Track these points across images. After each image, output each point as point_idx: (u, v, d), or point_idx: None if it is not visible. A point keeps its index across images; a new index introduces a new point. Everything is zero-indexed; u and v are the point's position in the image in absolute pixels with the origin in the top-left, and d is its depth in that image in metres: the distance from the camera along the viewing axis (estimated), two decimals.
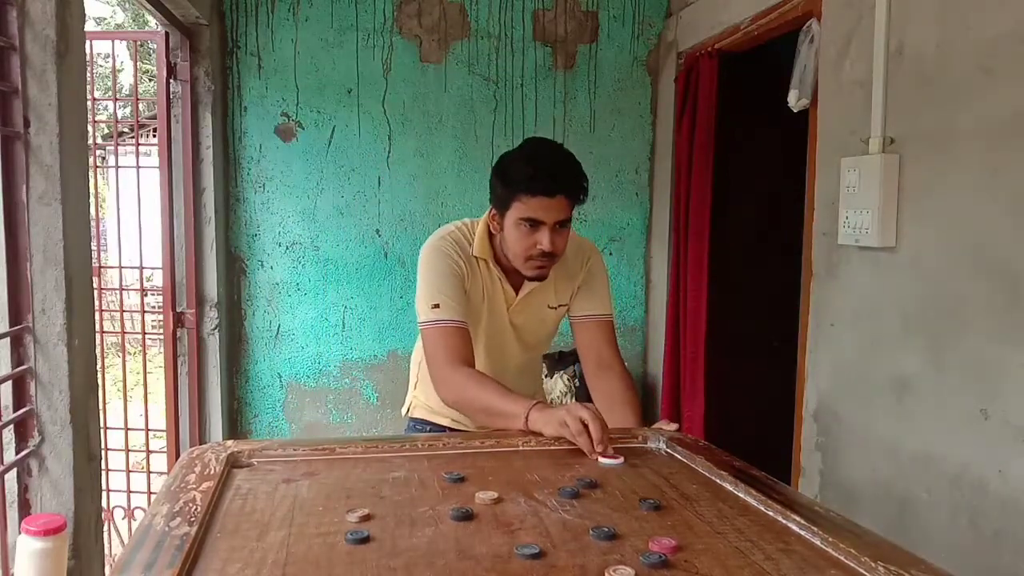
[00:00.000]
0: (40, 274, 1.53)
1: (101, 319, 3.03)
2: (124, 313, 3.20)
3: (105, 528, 2.22)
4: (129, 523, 3.07)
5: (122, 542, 3.06)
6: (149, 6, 2.59)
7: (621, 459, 1.30)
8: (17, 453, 1.54)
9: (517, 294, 1.72)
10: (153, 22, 2.90)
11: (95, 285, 1.84)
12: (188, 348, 3.05)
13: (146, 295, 3.31)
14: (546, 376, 3.32)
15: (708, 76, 2.92)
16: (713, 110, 2.91)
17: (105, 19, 14.59)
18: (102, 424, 2.04)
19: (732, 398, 3.09)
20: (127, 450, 3.09)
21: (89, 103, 2.58)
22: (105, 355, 4.48)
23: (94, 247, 1.78)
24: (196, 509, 1.02)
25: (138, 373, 3.94)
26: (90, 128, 2.84)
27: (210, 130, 3.05)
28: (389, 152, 3.35)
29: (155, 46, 2.96)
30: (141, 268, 3.19)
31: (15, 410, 1.53)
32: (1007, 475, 1.62)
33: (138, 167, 3.01)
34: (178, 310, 3.02)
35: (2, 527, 1.55)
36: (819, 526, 0.99)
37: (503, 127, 3.35)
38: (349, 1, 3.28)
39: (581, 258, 1.78)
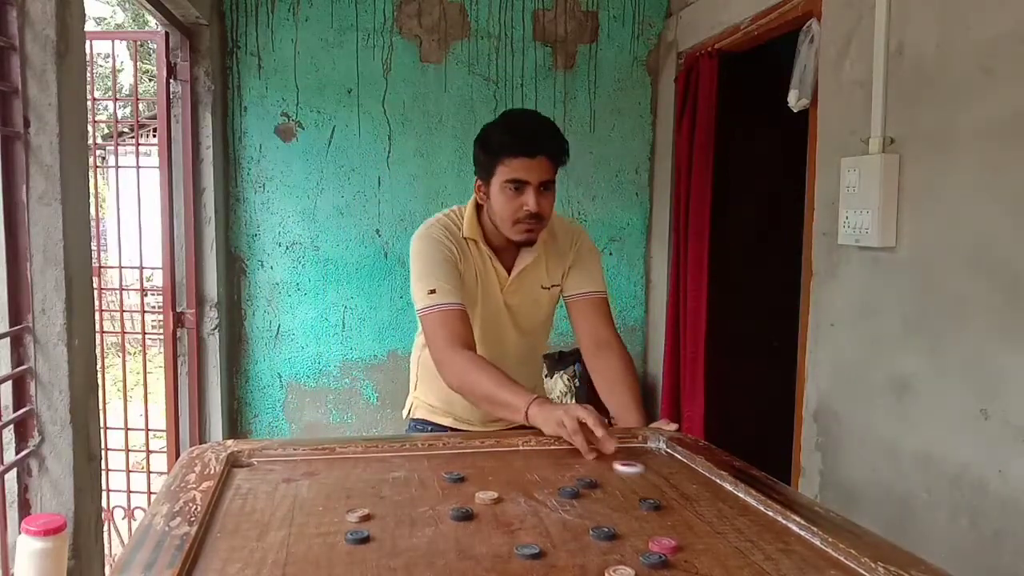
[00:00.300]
0: (40, 274, 1.53)
1: (101, 319, 3.03)
2: (124, 313, 3.20)
3: (105, 528, 2.22)
4: (129, 523, 3.07)
5: (122, 542, 3.06)
6: (149, 6, 2.59)
7: (640, 467, 1.28)
8: (17, 453, 1.54)
9: (510, 274, 1.73)
10: (153, 22, 2.90)
11: (95, 285, 1.84)
12: (188, 348, 3.05)
13: (146, 295, 3.31)
14: (546, 376, 3.32)
15: (708, 76, 2.92)
16: (713, 110, 2.91)
17: (105, 19, 14.59)
18: (102, 424, 2.04)
19: (732, 398, 3.09)
20: (127, 450, 3.09)
21: (89, 103, 2.58)
22: (105, 355, 4.48)
23: (94, 247, 1.78)
24: (196, 509, 1.02)
25: (138, 373, 3.94)
26: (90, 128, 2.84)
27: (210, 130, 3.05)
28: (389, 152, 3.35)
29: (155, 46, 2.96)
30: (141, 268, 3.19)
31: (15, 410, 1.53)
32: (1007, 475, 1.62)
33: (138, 167, 3.01)
34: (178, 310, 3.02)
35: (2, 527, 1.55)
36: (819, 526, 0.99)
37: None
38: (349, 1, 3.28)
39: (570, 238, 1.79)
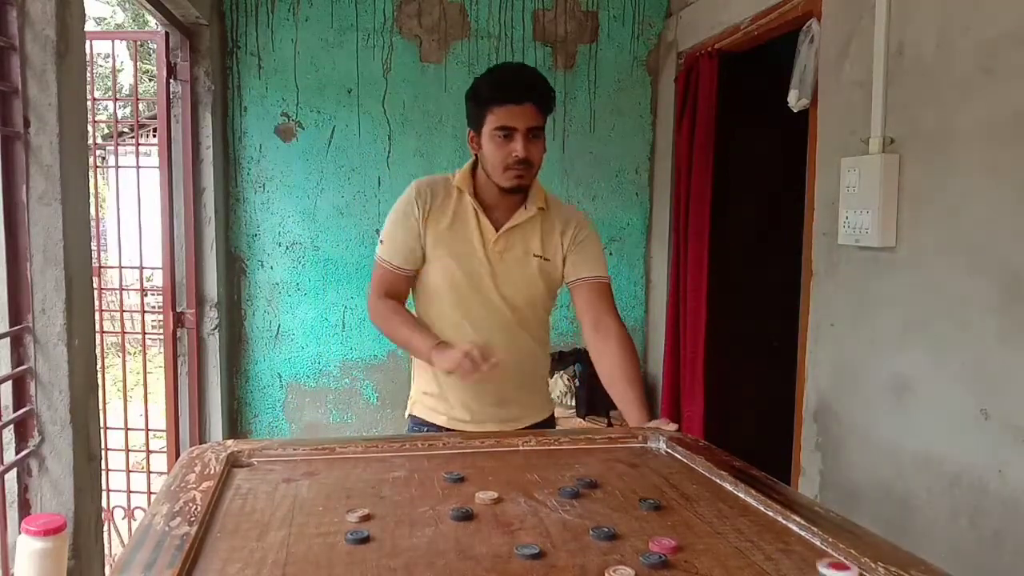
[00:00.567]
0: (40, 274, 1.53)
1: (101, 319, 3.03)
2: (124, 313, 3.20)
3: (105, 528, 2.22)
4: (129, 523, 3.07)
5: (122, 542, 3.06)
6: (149, 6, 2.59)
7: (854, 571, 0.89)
8: (17, 453, 1.54)
9: (498, 231, 1.73)
10: (153, 22, 2.90)
11: (95, 285, 1.84)
12: (188, 348, 3.05)
13: (146, 295, 3.31)
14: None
15: (708, 76, 2.92)
16: (713, 110, 2.91)
17: (105, 19, 14.59)
18: (102, 424, 2.04)
19: (732, 398, 3.09)
20: (127, 450, 3.09)
21: (89, 103, 2.58)
22: (105, 355, 4.48)
23: (94, 247, 1.78)
24: (196, 509, 1.02)
25: (138, 373, 3.94)
26: (90, 128, 2.84)
27: (210, 130, 3.05)
28: (389, 152, 3.35)
29: (155, 46, 2.96)
30: (141, 268, 3.18)
31: (15, 410, 1.53)
32: (1007, 475, 1.62)
33: (138, 167, 3.01)
34: (178, 310, 3.02)
35: (2, 527, 1.55)
36: (819, 526, 0.99)
37: None
38: (349, 1, 3.28)
39: (570, 218, 1.80)
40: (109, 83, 7.35)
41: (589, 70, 3.46)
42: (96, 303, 2.20)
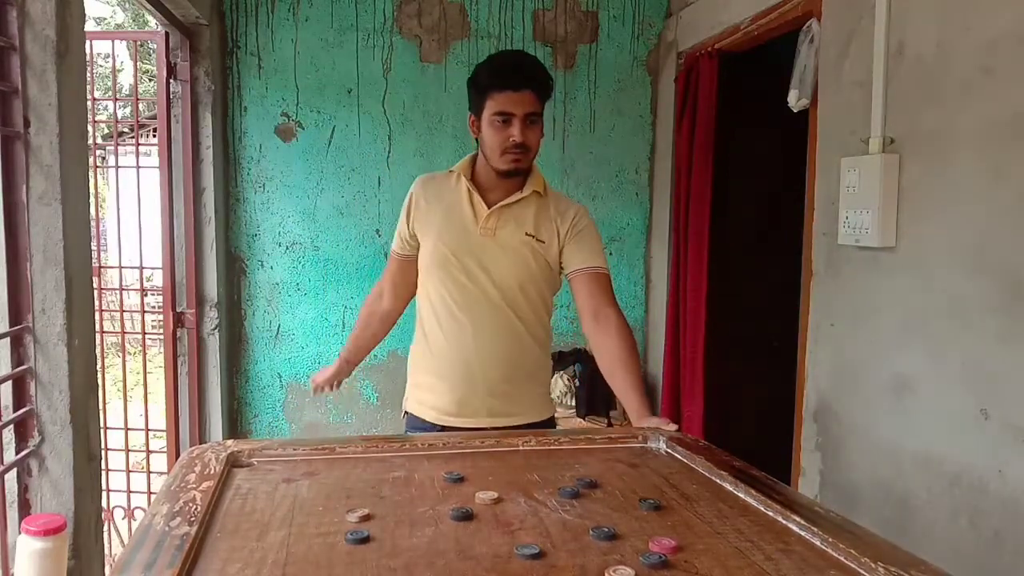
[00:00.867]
0: (40, 274, 1.53)
1: (101, 319, 3.03)
2: (124, 313, 3.20)
3: (105, 528, 2.22)
4: (129, 523, 3.07)
5: (122, 542, 3.06)
6: (149, 6, 2.59)
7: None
8: (17, 453, 1.54)
9: (491, 208, 1.77)
10: (153, 22, 2.90)
11: (95, 285, 1.84)
12: (188, 348, 3.05)
13: (146, 295, 3.31)
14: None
15: (708, 76, 2.92)
16: (713, 110, 2.91)
17: (105, 19, 14.59)
18: (102, 424, 2.04)
19: (732, 398, 3.10)
20: (127, 450, 3.09)
21: (89, 103, 2.58)
22: (105, 355, 4.48)
23: (94, 247, 1.78)
24: (196, 509, 1.02)
25: (138, 373, 3.94)
26: (90, 128, 2.84)
27: (210, 130, 3.05)
28: (389, 152, 3.35)
29: (155, 46, 2.96)
30: (141, 268, 3.18)
31: (15, 410, 1.53)
32: (1007, 475, 1.62)
33: (138, 167, 3.01)
34: (178, 310, 3.03)
35: (2, 527, 1.55)
36: (819, 526, 0.99)
37: None
38: (349, 1, 3.28)
39: (567, 208, 1.81)
40: (109, 83, 7.35)
41: (589, 70, 3.46)
42: (96, 303, 2.20)
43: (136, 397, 3.45)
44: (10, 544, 1.54)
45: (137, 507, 3.10)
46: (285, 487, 1.16)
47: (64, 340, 1.55)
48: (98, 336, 2.39)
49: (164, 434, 3.11)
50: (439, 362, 1.79)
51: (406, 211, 1.84)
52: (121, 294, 3.31)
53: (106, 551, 1.95)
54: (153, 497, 1.32)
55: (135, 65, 3.36)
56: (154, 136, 3.15)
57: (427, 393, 1.82)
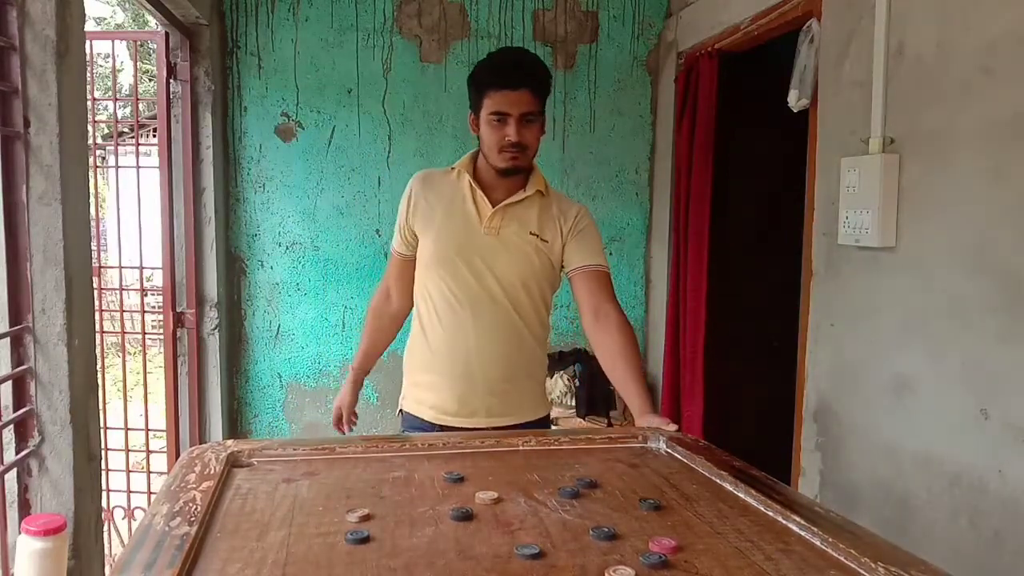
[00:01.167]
0: (40, 274, 1.53)
1: (101, 319, 3.03)
2: (124, 313, 3.20)
3: (105, 528, 2.22)
4: (129, 523, 3.07)
5: (122, 542, 3.06)
6: (149, 6, 2.59)
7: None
8: (17, 453, 1.54)
9: (495, 207, 1.76)
10: (153, 22, 2.90)
11: (95, 285, 1.84)
12: (188, 348, 3.05)
13: (146, 295, 3.31)
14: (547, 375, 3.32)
15: (708, 76, 2.92)
16: (713, 110, 2.91)
17: (105, 19, 14.59)
18: (102, 424, 2.04)
19: (732, 398, 3.09)
20: (127, 450, 3.09)
21: (89, 103, 2.58)
22: (105, 355, 4.48)
23: (94, 247, 1.78)
24: (196, 509, 1.02)
25: (138, 373, 3.95)
26: (90, 128, 2.84)
27: (210, 130, 3.05)
28: (389, 152, 3.35)
29: (155, 46, 2.96)
30: (141, 268, 3.18)
31: (15, 410, 1.53)
32: (1007, 475, 1.62)
33: (138, 167, 3.01)
34: (178, 310, 3.02)
35: (2, 527, 1.55)
36: (819, 526, 0.99)
37: None
38: (349, 1, 3.28)
39: (568, 208, 1.82)
40: (109, 83, 7.35)
41: (589, 70, 3.46)
42: (96, 303, 2.20)
43: (136, 397, 3.45)
44: (10, 544, 1.54)
45: (137, 507, 3.10)
46: (285, 487, 1.16)
47: (64, 340, 1.55)
48: (98, 336, 2.39)
49: (164, 434, 3.11)
50: (439, 360, 1.78)
51: (405, 207, 1.83)
52: (121, 294, 3.31)
53: (106, 551, 1.95)
54: (153, 497, 1.32)
55: (135, 65, 3.36)
56: (154, 136, 3.15)
57: (426, 392, 1.81)
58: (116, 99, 3.98)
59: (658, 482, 1.21)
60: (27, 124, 1.50)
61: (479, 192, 1.76)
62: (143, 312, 3.26)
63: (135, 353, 4.60)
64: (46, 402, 1.55)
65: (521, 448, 1.38)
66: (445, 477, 1.20)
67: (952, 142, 1.78)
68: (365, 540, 0.96)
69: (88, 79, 2.12)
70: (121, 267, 3.36)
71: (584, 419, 3.26)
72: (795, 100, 2.33)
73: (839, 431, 2.20)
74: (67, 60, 1.55)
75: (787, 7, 2.47)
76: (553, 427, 3.12)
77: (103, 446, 2.32)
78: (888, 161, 1.95)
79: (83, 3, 1.66)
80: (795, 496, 1.15)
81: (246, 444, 1.32)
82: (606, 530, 0.99)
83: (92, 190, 1.90)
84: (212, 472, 1.17)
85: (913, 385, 1.90)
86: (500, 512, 1.07)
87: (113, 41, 3.49)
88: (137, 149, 3.07)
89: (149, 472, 3.18)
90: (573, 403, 3.33)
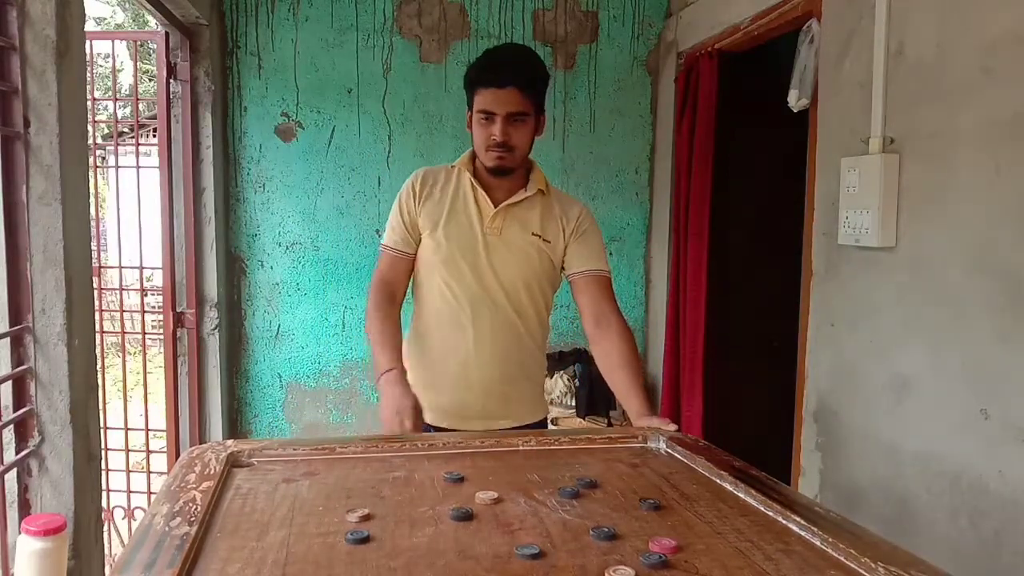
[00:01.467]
0: (40, 274, 1.53)
1: (101, 319, 3.03)
2: (124, 313, 3.20)
3: (105, 528, 2.22)
4: (129, 523, 3.07)
5: (122, 542, 3.06)
6: (149, 6, 2.59)
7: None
8: (17, 453, 1.54)
9: (496, 208, 1.75)
10: (153, 22, 2.90)
11: (95, 285, 1.84)
12: (188, 348, 3.05)
13: (146, 295, 3.31)
14: (546, 376, 3.32)
15: (708, 76, 2.92)
16: (713, 110, 2.91)
17: (105, 19, 14.59)
18: (102, 424, 2.04)
19: (732, 398, 3.09)
20: (127, 450, 3.09)
21: (89, 103, 2.58)
22: (105, 355, 4.48)
23: (94, 247, 1.78)
24: (196, 509, 1.02)
25: (138, 373, 3.95)
26: (90, 128, 2.84)
27: (210, 130, 3.05)
28: (389, 152, 3.35)
29: (155, 46, 2.96)
30: (141, 268, 3.19)
31: (15, 410, 1.53)
32: (1007, 475, 1.62)
33: (138, 167, 3.01)
34: (178, 310, 3.02)
35: (2, 527, 1.55)
36: (819, 526, 0.99)
37: None
38: (349, 1, 3.28)
39: (570, 207, 1.81)
40: (109, 83, 7.35)
41: (589, 70, 3.46)
42: (96, 303, 2.20)
43: (136, 397, 3.45)
44: (10, 544, 1.54)
45: (137, 507, 3.10)
46: (285, 487, 1.16)
47: (64, 340, 1.55)
48: (98, 336, 2.39)
49: (164, 434, 3.10)
50: (438, 362, 1.77)
51: (409, 202, 1.78)
52: (121, 294, 3.31)
53: (106, 551, 1.95)
54: (153, 497, 1.32)
55: (135, 65, 3.36)
56: (154, 136, 3.15)
57: (423, 393, 1.74)
58: (116, 99, 3.98)
59: (658, 482, 1.21)
60: (27, 124, 1.50)
61: (480, 191, 1.76)
62: (143, 312, 3.26)
63: (135, 353, 4.59)
64: (46, 402, 1.55)
65: (521, 448, 1.38)
66: (445, 477, 1.20)
67: (952, 142, 1.78)
68: (365, 540, 0.96)
69: (88, 79, 2.12)
70: (121, 267, 3.36)
71: (584, 419, 3.26)
72: (795, 100, 2.33)
73: (839, 431, 2.20)
74: (67, 60, 1.55)
75: (787, 7, 2.47)
76: (553, 427, 3.13)
77: (103, 446, 2.32)
78: (888, 161, 1.95)
79: (83, 3, 1.66)
80: (795, 496, 1.15)
81: (246, 444, 1.32)
82: (606, 530, 0.99)
83: (92, 190, 1.90)
84: (212, 472, 1.17)
85: (913, 385, 1.90)
86: (500, 512, 1.07)
87: (113, 41, 3.49)
88: (137, 149, 3.07)
89: (149, 472, 3.18)
90: (573, 403, 3.33)
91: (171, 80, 2.94)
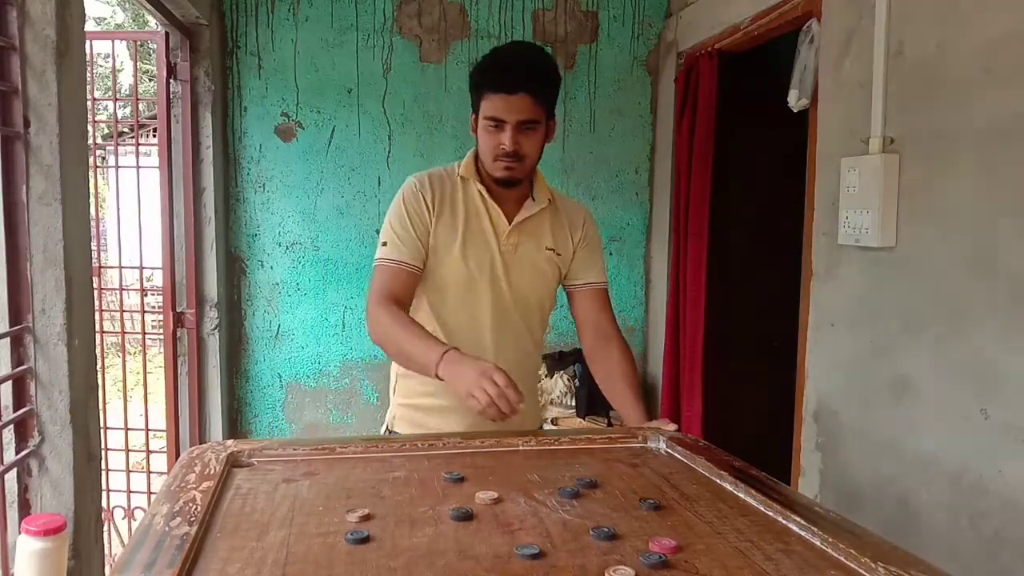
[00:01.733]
0: (40, 274, 1.53)
1: (101, 319, 3.03)
2: (124, 313, 3.20)
3: (105, 528, 2.22)
4: (129, 523, 3.07)
5: (122, 542, 3.06)
6: (149, 6, 2.59)
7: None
8: (17, 453, 1.54)
9: (511, 223, 1.65)
10: (153, 22, 2.90)
11: (95, 285, 1.84)
12: (188, 348, 3.05)
13: (146, 295, 3.31)
14: (546, 376, 3.32)
15: (708, 76, 2.92)
16: (713, 110, 2.91)
17: (105, 19, 14.59)
18: (102, 424, 2.04)
19: (732, 398, 3.09)
20: (127, 450, 3.09)
21: (89, 103, 2.58)
22: (105, 355, 4.48)
23: (94, 247, 1.78)
24: (196, 509, 1.02)
25: (138, 373, 3.95)
26: (90, 128, 2.84)
27: (210, 130, 3.05)
28: (389, 152, 3.35)
29: (155, 46, 2.96)
30: (141, 268, 3.19)
31: (15, 410, 1.53)
32: (1007, 475, 1.62)
33: (138, 167, 3.01)
34: (178, 310, 3.02)
35: (2, 527, 1.55)
36: (819, 526, 0.99)
37: None
38: (349, 1, 3.28)
39: (577, 213, 1.74)
40: (109, 83, 7.35)
41: (589, 70, 3.46)
42: (96, 303, 2.20)
43: (136, 397, 3.45)
44: (10, 544, 1.54)
45: (137, 507, 3.10)
46: (285, 487, 1.16)
47: (64, 340, 1.55)
48: (98, 336, 2.39)
49: (164, 434, 3.10)
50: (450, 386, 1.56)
51: (424, 216, 1.61)
52: (121, 294, 3.31)
53: (106, 551, 1.95)
54: (153, 497, 1.32)
55: (135, 65, 3.36)
56: (154, 136, 3.15)
57: (428, 416, 1.67)
58: (116, 99, 3.99)
59: (658, 482, 1.21)
60: (27, 124, 1.50)
61: (492, 205, 1.64)
62: (143, 312, 3.26)
63: (135, 353, 4.59)
64: (46, 402, 1.55)
65: (521, 448, 1.38)
66: (445, 477, 1.20)
67: (952, 142, 1.78)
68: (365, 540, 0.96)
69: (88, 79, 2.12)
70: (121, 267, 3.36)
71: (584, 419, 3.26)
72: (795, 100, 2.33)
73: (839, 431, 2.20)
74: (67, 60, 1.55)
75: (787, 7, 2.47)
76: (553, 427, 3.13)
77: (103, 446, 2.32)
78: (888, 161, 1.95)
79: (83, 3, 1.66)
80: (795, 496, 1.15)
81: (246, 444, 1.32)
82: (606, 530, 0.99)
83: (92, 190, 1.90)
84: (212, 472, 1.17)
85: (913, 385, 1.90)
86: (500, 512, 1.07)
87: (113, 41, 3.49)
88: (137, 149, 3.07)
89: (149, 472, 3.18)
90: (573, 403, 3.33)
91: (171, 80, 2.94)
